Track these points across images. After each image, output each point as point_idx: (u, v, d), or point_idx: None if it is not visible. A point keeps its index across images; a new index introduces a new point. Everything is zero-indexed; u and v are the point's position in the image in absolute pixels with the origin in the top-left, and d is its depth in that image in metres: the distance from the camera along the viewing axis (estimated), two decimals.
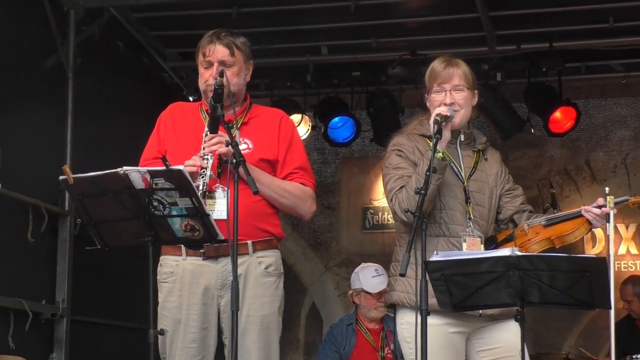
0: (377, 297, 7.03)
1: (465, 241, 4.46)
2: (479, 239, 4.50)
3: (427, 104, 4.65)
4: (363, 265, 7.36)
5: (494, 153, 4.80)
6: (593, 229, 4.64)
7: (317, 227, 9.96)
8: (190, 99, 8.66)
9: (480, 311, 4.42)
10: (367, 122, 9.21)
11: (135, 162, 4.50)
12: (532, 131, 9.07)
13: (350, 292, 7.26)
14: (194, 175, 4.33)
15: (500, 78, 8.57)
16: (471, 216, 4.53)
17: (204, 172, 4.38)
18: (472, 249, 4.43)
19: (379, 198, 9.71)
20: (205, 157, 4.40)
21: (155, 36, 8.49)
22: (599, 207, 4.46)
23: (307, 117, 9.21)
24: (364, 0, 7.74)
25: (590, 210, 4.46)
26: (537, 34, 8.27)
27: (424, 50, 8.15)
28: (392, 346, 6.95)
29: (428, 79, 4.64)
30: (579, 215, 4.49)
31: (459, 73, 4.60)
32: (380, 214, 9.84)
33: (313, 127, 9.30)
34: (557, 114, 8.70)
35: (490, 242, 4.55)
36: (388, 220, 9.67)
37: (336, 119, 9.10)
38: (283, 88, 9.19)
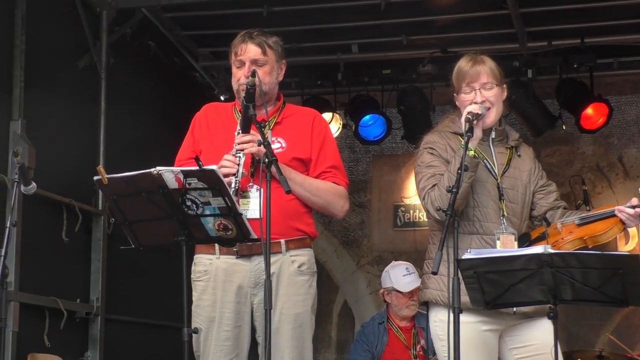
0: (409, 295, 7.01)
1: (499, 239, 4.46)
2: (512, 236, 4.49)
3: (457, 104, 4.64)
4: (394, 263, 7.33)
5: (527, 149, 4.79)
6: None
7: (349, 225, 9.98)
8: (222, 98, 8.70)
9: (515, 309, 4.42)
10: (397, 119, 9.21)
11: (166, 161, 4.52)
12: (564, 128, 9.03)
13: (382, 290, 7.24)
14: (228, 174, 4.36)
15: (531, 75, 8.55)
16: (504, 213, 4.52)
17: (236, 170, 4.40)
18: (506, 246, 4.42)
19: (410, 195, 9.70)
20: (238, 155, 4.43)
21: (187, 36, 8.52)
22: (633, 207, 4.42)
23: (338, 116, 9.22)
24: None
25: (623, 210, 4.43)
26: (568, 30, 8.24)
27: (455, 48, 8.13)
28: (422, 342, 6.94)
29: (456, 79, 4.62)
30: (612, 215, 4.46)
31: (486, 70, 4.58)
32: (411, 211, 9.83)
33: (344, 126, 9.32)
34: (589, 110, 8.65)
35: (524, 240, 4.54)
36: (419, 217, 9.67)
37: (367, 117, 9.11)
38: (314, 86, 9.21)
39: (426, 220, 4.79)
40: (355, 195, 9.78)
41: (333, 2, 7.81)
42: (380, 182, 10.03)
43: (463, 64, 4.61)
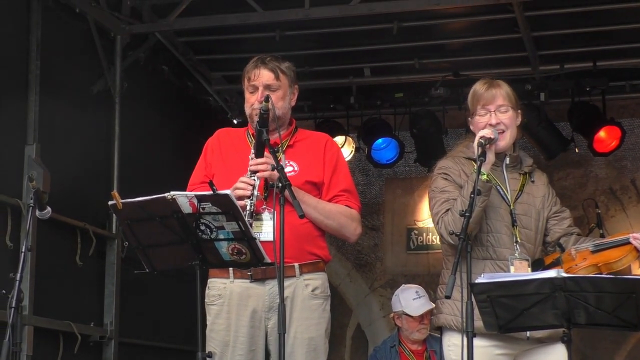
0: (420, 319, 6.96)
1: (512, 264, 4.45)
2: (526, 262, 4.49)
3: (471, 127, 4.64)
4: (403, 287, 7.28)
5: (541, 175, 4.78)
6: None
7: (362, 248, 9.98)
8: (235, 122, 8.74)
9: (529, 334, 4.41)
10: (410, 143, 9.23)
11: (181, 185, 4.54)
12: (577, 151, 9.03)
13: (392, 314, 7.19)
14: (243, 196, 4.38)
15: (543, 98, 8.56)
16: (518, 239, 4.52)
17: (251, 192, 4.42)
18: (519, 272, 4.41)
19: (423, 219, 9.71)
20: (252, 177, 4.45)
21: (200, 60, 8.58)
22: None
23: (350, 139, 9.25)
24: (407, 22, 7.78)
25: (638, 238, 4.42)
26: (580, 53, 8.26)
27: (467, 71, 8.17)
28: None
29: (471, 101, 4.64)
30: (627, 242, 4.45)
31: (502, 93, 4.59)
32: (424, 234, 9.83)
33: (357, 149, 9.34)
34: (602, 134, 8.65)
35: (538, 265, 4.53)
36: (432, 240, 9.67)
37: (380, 140, 9.12)
38: (326, 110, 9.24)
39: (439, 243, 4.77)
40: (368, 218, 9.78)
41: (345, 26, 7.85)
42: (393, 205, 10.03)
43: (479, 86, 4.62)
